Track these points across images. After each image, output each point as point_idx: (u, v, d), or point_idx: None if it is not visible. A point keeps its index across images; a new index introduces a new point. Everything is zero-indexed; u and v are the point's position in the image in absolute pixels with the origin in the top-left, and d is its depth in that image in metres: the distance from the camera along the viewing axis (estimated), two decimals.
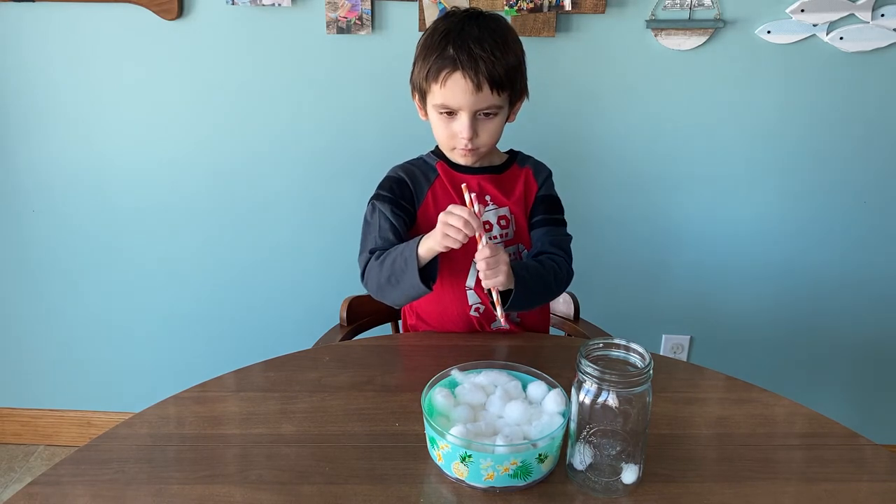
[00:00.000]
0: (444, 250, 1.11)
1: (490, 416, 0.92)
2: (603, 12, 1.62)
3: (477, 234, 1.08)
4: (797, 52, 1.66)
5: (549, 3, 1.61)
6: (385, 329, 1.42)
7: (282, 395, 1.05)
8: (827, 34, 1.63)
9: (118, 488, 0.87)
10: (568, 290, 1.39)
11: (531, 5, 1.60)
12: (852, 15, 1.61)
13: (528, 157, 1.34)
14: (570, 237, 1.30)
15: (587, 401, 0.85)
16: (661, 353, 1.90)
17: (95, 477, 0.89)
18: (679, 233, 1.83)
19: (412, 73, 1.22)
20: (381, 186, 1.26)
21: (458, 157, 1.24)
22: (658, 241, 1.84)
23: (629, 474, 0.87)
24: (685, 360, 1.95)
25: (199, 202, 1.83)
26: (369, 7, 1.63)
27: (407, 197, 1.25)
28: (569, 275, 1.26)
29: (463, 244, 1.09)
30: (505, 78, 1.15)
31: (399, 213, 1.22)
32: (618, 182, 1.79)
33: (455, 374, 0.99)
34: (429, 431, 0.89)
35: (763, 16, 1.63)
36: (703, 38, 1.64)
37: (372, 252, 1.21)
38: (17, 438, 2.08)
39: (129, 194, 1.83)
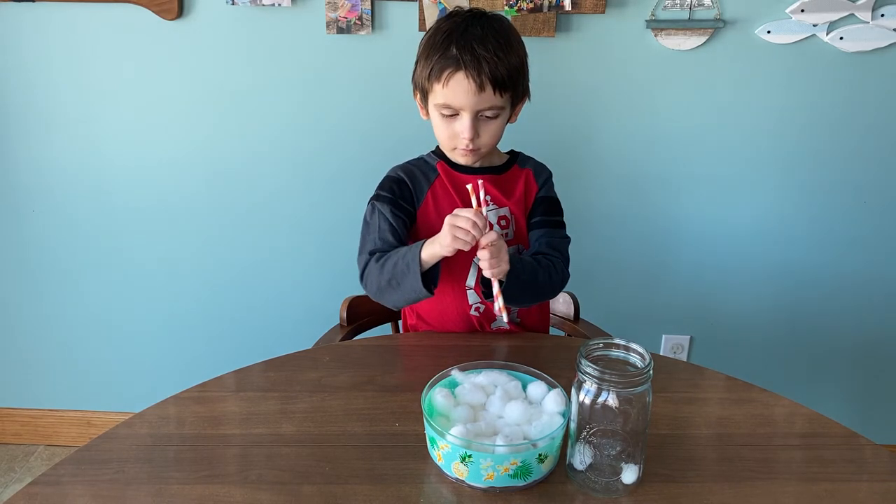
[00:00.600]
0: (450, 254, 1.10)
1: (490, 416, 0.92)
2: (603, 12, 1.62)
3: (485, 238, 1.08)
4: (797, 52, 1.66)
5: (549, 3, 1.61)
6: (385, 329, 1.42)
7: (282, 395, 1.05)
8: (827, 34, 1.63)
9: (118, 488, 0.87)
10: (568, 290, 1.40)
11: (531, 5, 1.60)
12: (852, 15, 1.61)
13: (529, 158, 1.34)
14: (568, 239, 1.30)
15: (587, 401, 0.85)
16: (661, 353, 1.90)
17: (95, 477, 0.89)
18: (679, 233, 1.83)
19: (414, 72, 1.22)
20: (380, 186, 1.26)
21: (459, 157, 1.24)
22: (658, 241, 1.84)
23: (629, 474, 0.87)
24: (685, 360, 1.95)
25: (199, 202, 1.83)
26: (369, 7, 1.64)
27: (406, 197, 1.25)
28: (563, 277, 1.25)
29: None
30: (507, 79, 1.15)
31: (399, 213, 1.22)
32: (618, 182, 1.79)
33: (455, 374, 0.99)
34: (429, 431, 0.89)
35: (763, 16, 1.63)
36: (703, 38, 1.64)
37: (371, 253, 1.20)
38: (17, 438, 2.08)
39: (129, 194, 1.83)
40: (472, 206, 1.11)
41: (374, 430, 0.98)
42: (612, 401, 0.84)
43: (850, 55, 1.65)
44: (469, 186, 1.11)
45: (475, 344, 1.20)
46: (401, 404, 1.03)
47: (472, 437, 0.86)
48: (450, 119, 1.18)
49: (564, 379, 0.94)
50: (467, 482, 0.87)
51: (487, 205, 1.26)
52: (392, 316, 1.44)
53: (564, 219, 1.32)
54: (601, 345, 0.89)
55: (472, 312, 1.28)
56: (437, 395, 0.93)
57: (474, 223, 1.06)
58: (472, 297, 1.26)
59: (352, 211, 1.61)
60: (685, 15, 1.63)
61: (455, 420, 0.90)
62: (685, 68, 1.68)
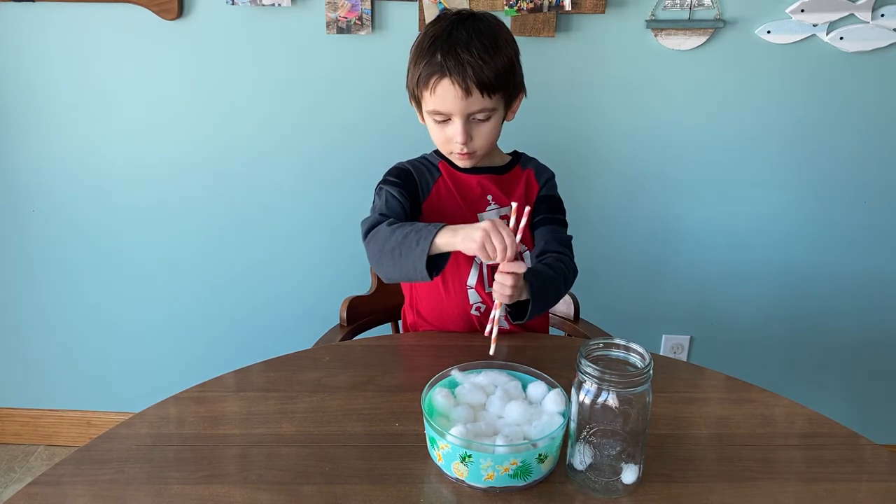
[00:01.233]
0: (468, 253, 1.05)
1: (490, 416, 0.92)
2: (603, 12, 1.62)
3: (504, 261, 1.03)
4: (797, 52, 1.66)
5: (549, 3, 1.61)
6: (385, 329, 1.43)
7: (282, 395, 1.05)
8: (827, 34, 1.63)
9: (118, 488, 0.87)
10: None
11: (531, 5, 1.60)
12: (852, 15, 1.61)
13: (532, 158, 1.34)
14: (571, 237, 1.30)
15: (587, 401, 0.85)
16: (661, 353, 1.90)
17: (95, 477, 0.89)
18: (679, 232, 1.83)
19: (406, 78, 1.21)
20: (388, 173, 1.26)
21: (457, 160, 1.24)
22: (658, 241, 1.84)
23: (629, 474, 0.87)
24: (685, 360, 1.95)
25: (200, 202, 1.83)
26: (369, 7, 1.64)
27: (413, 187, 1.24)
28: (575, 272, 1.25)
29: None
30: (495, 80, 1.13)
31: (406, 196, 1.21)
32: (618, 182, 1.79)
33: (455, 374, 0.99)
34: (429, 431, 0.89)
35: (763, 16, 1.63)
36: (703, 38, 1.64)
37: (382, 215, 1.16)
38: (17, 438, 2.08)
39: (129, 194, 1.83)
40: (507, 222, 1.06)
41: (374, 430, 0.98)
42: (612, 401, 0.84)
43: (850, 55, 1.65)
44: (513, 206, 1.06)
45: (475, 344, 1.20)
46: (401, 404, 1.03)
47: (472, 437, 0.86)
48: (442, 124, 1.18)
49: (564, 379, 0.94)
50: (467, 482, 0.87)
51: (486, 206, 1.26)
52: (392, 316, 1.44)
53: (566, 219, 1.32)
54: (601, 345, 0.89)
55: (473, 312, 1.28)
56: (437, 395, 0.93)
57: (506, 247, 1.01)
58: (473, 296, 1.26)
59: (352, 210, 1.61)
60: (685, 15, 1.63)
61: (455, 420, 0.90)
62: (685, 68, 1.68)
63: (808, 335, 1.92)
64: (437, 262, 1.09)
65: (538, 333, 1.32)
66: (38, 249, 1.89)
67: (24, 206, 1.85)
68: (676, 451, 0.95)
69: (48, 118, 1.77)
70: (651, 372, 0.85)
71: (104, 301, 1.93)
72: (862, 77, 1.67)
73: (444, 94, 1.13)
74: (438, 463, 0.89)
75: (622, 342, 0.89)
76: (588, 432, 0.86)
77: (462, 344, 1.21)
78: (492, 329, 1.10)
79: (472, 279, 1.26)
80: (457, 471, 0.87)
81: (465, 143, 1.17)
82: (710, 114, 1.72)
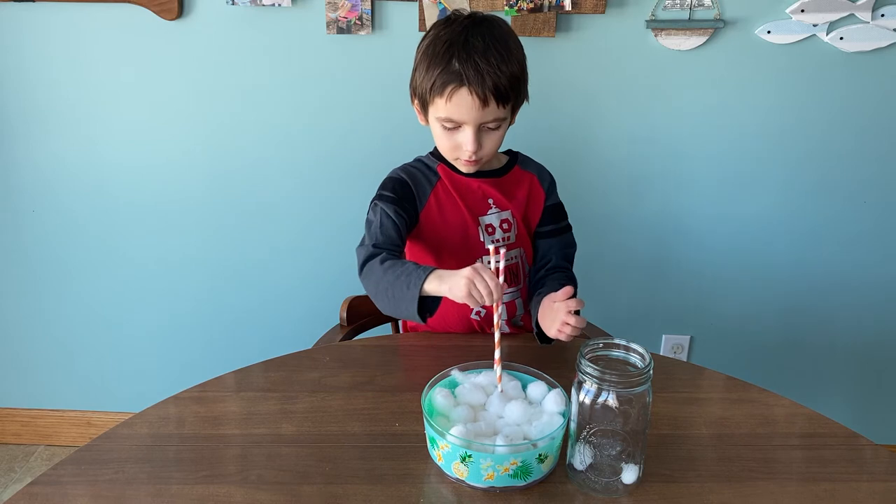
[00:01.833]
0: (455, 301, 1.04)
1: (490, 416, 0.93)
2: (603, 12, 1.62)
3: (494, 305, 1.01)
4: (797, 52, 1.66)
5: (549, 3, 1.61)
6: (385, 329, 1.42)
7: (282, 395, 1.05)
8: (827, 34, 1.63)
9: (118, 488, 0.87)
10: None
11: (531, 5, 1.60)
12: (852, 15, 1.61)
13: (529, 159, 1.34)
14: (575, 248, 1.32)
15: (587, 401, 0.85)
16: (661, 353, 1.90)
17: (95, 477, 0.89)
18: (679, 232, 1.83)
19: (412, 79, 1.20)
20: (382, 187, 1.25)
21: (461, 166, 1.24)
22: (658, 241, 1.84)
23: (629, 474, 0.87)
24: (685, 360, 1.95)
25: (199, 202, 1.83)
26: (369, 7, 1.64)
27: (409, 198, 1.23)
28: (575, 284, 1.26)
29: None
30: (510, 89, 1.13)
31: (401, 212, 1.20)
32: (617, 182, 1.79)
33: (455, 374, 0.99)
34: (429, 431, 0.89)
35: (763, 16, 1.63)
36: (703, 38, 1.64)
37: (375, 247, 1.17)
38: (17, 438, 2.08)
39: (129, 194, 1.83)
40: (489, 263, 1.06)
41: (374, 430, 0.98)
42: (612, 401, 0.84)
43: (850, 55, 1.65)
44: (492, 248, 1.06)
45: (475, 344, 1.20)
46: (401, 404, 1.03)
47: (472, 437, 0.86)
48: (451, 131, 1.17)
49: (564, 379, 0.94)
50: (467, 482, 0.87)
51: (487, 209, 1.26)
52: (392, 316, 1.44)
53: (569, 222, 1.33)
54: (601, 345, 0.89)
55: (473, 316, 1.28)
56: (437, 395, 0.94)
57: (491, 293, 1.00)
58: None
59: (352, 210, 1.61)
60: (685, 15, 1.63)
61: (455, 420, 0.90)
62: (685, 68, 1.68)
63: (808, 335, 1.92)
64: (430, 305, 1.10)
65: None
66: (37, 249, 1.89)
67: (23, 206, 1.85)
68: (676, 451, 0.95)
69: (48, 118, 1.77)
70: (651, 372, 0.85)
71: (104, 301, 1.93)
72: (862, 77, 1.67)
73: (461, 103, 1.12)
74: (438, 463, 0.89)
75: (622, 342, 0.89)
76: (588, 432, 0.86)
77: (462, 344, 1.21)
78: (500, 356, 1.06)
79: None
80: (457, 471, 0.87)
81: (475, 152, 1.17)
82: (709, 114, 1.72)
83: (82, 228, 1.86)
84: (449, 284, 1.03)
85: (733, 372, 1.16)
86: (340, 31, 1.66)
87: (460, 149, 1.18)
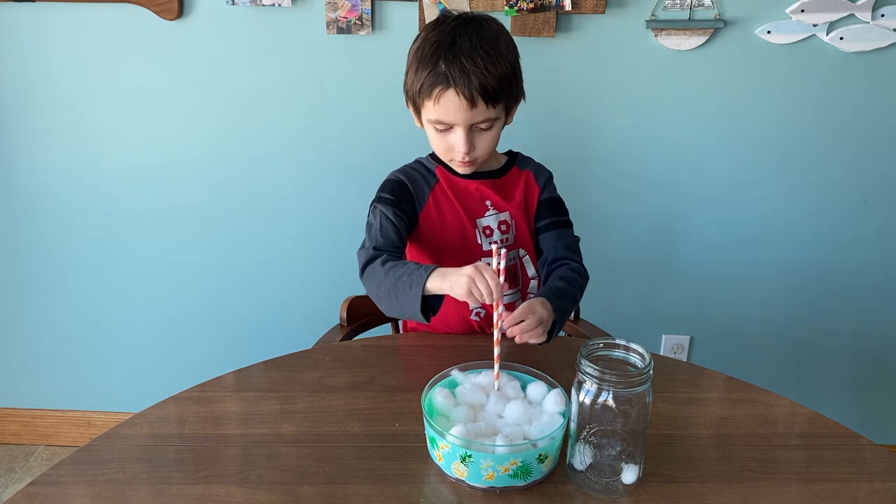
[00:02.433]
0: (456, 298, 1.05)
1: (490, 416, 0.92)
2: (603, 12, 1.62)
3: (494, 304, 1.02)
4: (797, 52, 1.66)
5: (549, 2, 1.61)
6: (385, 329, 1.42)
7: (282, 395, 1.05)
8: (827, 34, 1.63)
9: (118, 488, 0.87)
10: None
11: (531, 5, 1.60)
12: (852, 15, 1.61)
13: (528, 158, 1.34)
14: (578, 238, 1.30)
15: (587, 401, 0.85)
16: (661, 353, 1.90)
17: (95, 477, 0.89)
18: (679, 233, 1.83)
19: (405, 82, 1.19)
20: (381, 189, 1.25)
21: (457, 168, 1.24)
22: (658, 241, 1.84)
23: (629, 474, 0.87)
24: (685, 360, 1.95)
25: (199, 202, 1.83)
26: (369, 7, 1.64)
27: (408, 200, 1.23)
28: (587, 277, 1.25)
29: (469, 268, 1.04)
30: (499, 90, 1.12)
31: (400, 214, 1.21)
32: (617, 182, 1.79)
33: (455, 374, 0.99)
34: (429, 431, 0.89)
35: (763, 16, 1.63)
36: (703, 38, 1.64)
37: (376, 249, 1.17)
38: (17, 438, 2.08)
39: (129, 194, 1.83)
40: (490, 262, 1.06)
41: (374, 430, 0.98)
42: (612, 401, 0.84)
43: (850, 55, 1.65)
44: (494, 247, 1.06)
45: (475, 344, 1.20)
46: (401, 404, 1.03)
47: (472, 437, 0.86)
48: (444, 132, 1.17)
49: (564, 379, 0.94)
50: (467, 482, 0.87)
51: (485, 210, 1.26)
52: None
53: (570, 218, 1.32)
54: (601, 345, 0.89)
55: (473, 317, 1.28)
56: (437, 395, 0.93)
57: (491, 292, 1.00)
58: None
59: (352, 210, 1.61)
60: (685, 15, 1.63)
61: (455, 420, 0.90)
62: (685, 68, 1.68)
63: (808, 335, 1.92)
64: (433, 304, 1.11)
65: None
66: (37, 249, 1.89)
67: (23, 206, 1.85)
68: (676, 451, 0.95)
69: (48, 118, 1.77)
70: (651, 372, 0.85)
71: (104, 301, 1.93)
72: (862, 77, 1.67)
73: (449, 105, 1.12)
74: (438, 463, 0.89)
75: (622, 342, 0.89)
76: (588, 432, 0.86)
77: (462, 344, 1.21)
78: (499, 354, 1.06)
79: None
80: (457, 471, 0.87)
81: (468, 153, 1.17)
82: (709, 114, 1.72)
83: (82, 228, 1.86)
84: (450, 282, 1.03)
85: (733, 372, 1.16)
86: (340, 31, 1.66)
87: (453, 150, 1.18)
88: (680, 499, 0.87)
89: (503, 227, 1.26)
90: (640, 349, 0.88)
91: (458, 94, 1.11)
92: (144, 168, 1.80)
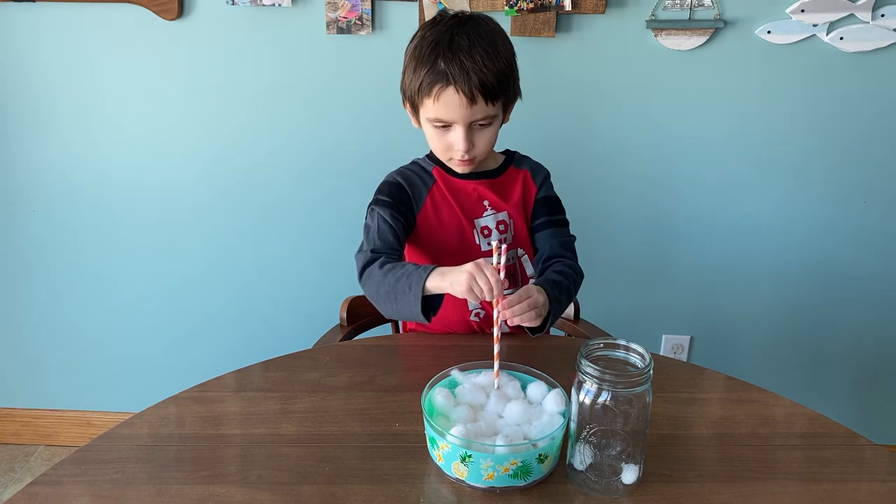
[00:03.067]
0: (456, 296, 1.05)
1: (490, 416, 0.92)
2: (603, 12, 1.62)
3: (494, 301, 1.02)
4: (797, 52, 1.66)
5: (549, 3, 1.61)
6: (385, 329, 1.42)
7: (282, 395, 1.05)
8: (827, 34, 1.63)
9: (118, 488, 0.87)
10: None
11: (531, 5, 1.60)
12: (852, 15, 1.61)
13: (525, 157, 1.34)
14: (574, 238, 1.30)
15: (587, 401, 0.85)
16: (661, 353, 1.90)
17: (95, 477, 0.89)
18: (679, 233, 1.83)
19: (402, 82, 1.20)
20: (379, 191, 1.25)
21: (456, 167, 1.24)
22: (658, 241, 1.84)
23: (629, 474, 0.87)
24: (685, 360, 1.95)
25: (199, 202, 1.83)
26: (369, 7, 1.64)
27: (406, 202, 1.23)
28: (581, 276, 1.25)
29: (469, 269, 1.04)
30: (498, 87, 1.13)
31: (398, 216, 1.21)
32: (617, 182, 1.79)
33: (455, 374, 0.99)
34: (429, 431, 0.89)
35: (763, 16, 1.63)
36: (703, 38, 1.64)
37: (374, 252, 1.17)
38: (17, 438, 2.08)
39: (129, 194, 1.83)
40: (490, 260, 1.05)
41: (374, 430, 0.98)
42: (612, 401, 0.84)
43: (850, 55, 1.65)
44: (494, 243, 1.05)
45: (475, 344, 1.20)
46: (401, 404, 1.03)
47: (472, 437, 0.86)
48: (442, 131, 1.17)
49: (564, 379, 0.94)
50: (467, 482, 0.87)
51: (483, 210, 1.26)
52: None
53: (567, 217, 1.32)
54: (601, 345, 0.89)
55: (472, 318, 1.28)
56: (437, 395, 0.93)
57: (492, 289, 1.01)
58: (472, 302, 1.26)
59: (352, 211, 1.61)
60: (685, 15, 1.63)
61: (455, 420, 0.90)
62: (685, 68, 1.68)
63: (808, 335, 1.92)
64: (433, 304, 1.11)
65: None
66: (37, 249, 1.89)
67: (24, 206, 1.85)
68: (676, 451, 0.95)
69: (48, 118, 1.77)
70: (651, 372, 0.85)
71: (104, 301, 1.93)
72: (862, 77, 1.67)
73: (449, 103, 1.12)
74: (438, 463, 0.89)
75: (622, 342, 0.89)
76: (588, 432, 0.86)
77: (462, 344, 1.21)
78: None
79: None
80: (457, 471, 0.87)
81: (468, 151, 1.17)
82: (709, 114, 1.72)
83: (82, 228, 1.86)
84: (450, 280, 1.04)
85: (733, 372, 1.16)
86: (340, 31, 1.66)
87: (452, 149, 1.18)
88: (680, 499, 0.87)
89: (501, 227, 1.26)
90: (640, 349, 0.88)
91: (457, 91, 1.11)
92: (144, 168, 1.80)
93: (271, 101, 1.74)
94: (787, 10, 1.62)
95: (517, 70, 1.20)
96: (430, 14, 1.62)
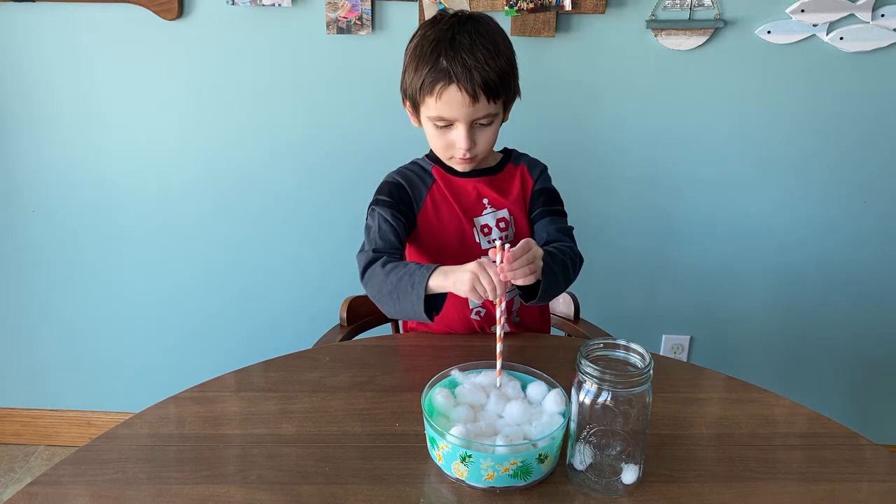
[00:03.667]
0: (459, 295, 1.05)
1: (490, 416, 0.92)
2: (603, 12, 1.62)
3: (497, 301, 1.02)
4: (797, 52, 1.66)
5: (549, 3, 1.61)
6: (385, 329, 1.42)
7: (282, 395, 1.05)
8: (827, 34, 1.63)
9: (118, 488, 0.87)
10: (568, 290, 1.39)
11: (531, 5, 1.60)
12: (852, 15, 1.61)
13: (523, 154, 1.34)
14: (572, 227, 1.29)
15: (587, 401, 0.85)
16: (661, 353, 1.90)
17: (95, 477, 0.89)
18: (679, 233, 1.83)
19: (402, 81, 1.20)
20: (379, 191, 1.25)
21: (457, 165, 1.24)
22: (658, 241, 1.84)
23: (629, 474, 0.87)
24: (685, 360, 1.95)
25: (199, 202, 1.83)
26: (369, 7, 1.64)
27: (406, 201, 1.24)
28: (581, 259, 1.24)
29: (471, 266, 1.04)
30: (500, 85, 1.13)
31: (398, 216, 1.21)
32: (617, 182, 1.79)
33: (455, 374, 0.99)
34: (429, 431, 0.89)
35: (763, 16, 1.63)
36: (703, 38, 1.64)
37: (375, 251, 1.17)
38: (17, 438, 2.08)
39: (129, 194, 1.83)
40: (491, 257, 1.04)
41: (374, 430, 0.98)
42: (612, 401, 0.84)
43: (850, 55, 1.65)
44: (498, 243, 1.03)
45: (475, 344, 1.20)
46: (401, 404, 1.03)
47: (472, 437, 0.86)
48: (444, 130, 1.17)
49: (564, 379, 0.94)
50: (467, 482, 0.87)
51: (482, 209, 1.26)
52: None
53: (565, 210, 1.32)
54: (601, 345, 0.89)
55: (473, 316, 1.28)
56: (437, 395, 0.93)
57: (495, 288, 1.01)
58: (473, 301, 1.26)
59: (352, 211, 1.61)
60: (685, 15, 1.63)
61: (455, 420, 0.90)
62: (685, 68, 1.68)
63: (808, 335, 1.92)
64: (435, 303, 1.11)
65: (538, 333, 1.32)
66: (37, 249, 1.89)
67: (24, 206, 1.85)
68: (676, 451, 0.95)
69: (48, 118, 1.77)
70: (651, 372, 0.85)
71: (104, 301, 1.93)
72: (862, 77, 1.67)
73: (451, 101, 1.12)
74: (438, 463, 0.89)
75: (622, 342, 0.89)
76: (588, 432, 0.86)
77: (462, 344, 1.21)
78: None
79: None
80: (457, 471, 0.87)
81: (469, 149, 1.17)
82: (709, 114, 1.72)
83: (82, 228, 1.86)
84: (453, 279, 1.04)
85: (733, 372, 1.16)
86: (340, 31, 1.66)
87: (454, 147, 1.18)
88: (680, 499, 0.87)
89: (502, 225, 1.26)
90: (640, 349, 0.88)
91: (460, 89, 1.11)
92: (144, 167, 1.80)
93: (271, 101, 1.74)
94: (787, 10, 1.62)
95: (517, 69, 1.20)
96: (430, 14, 1.61)
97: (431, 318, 1.10)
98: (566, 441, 0.90)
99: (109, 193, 1.83)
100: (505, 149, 1.34)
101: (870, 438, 0.99)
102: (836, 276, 1.86)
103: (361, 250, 1.20)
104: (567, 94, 1.71)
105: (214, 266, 1.89)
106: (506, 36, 1.19)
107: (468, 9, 1.60)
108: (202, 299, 1.92)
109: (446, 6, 1.61)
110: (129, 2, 1.64)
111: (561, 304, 1.46)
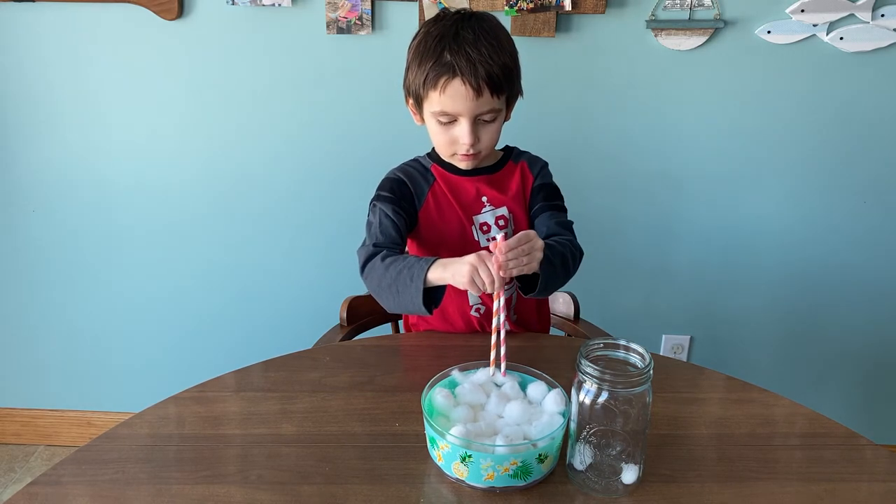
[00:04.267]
0: (457, 287, 1.06)
1: (490, 416, 0.92)
2: (603, 12, 1.62)
3: (495, 294, 1.02)
4: (797, 52, 1.66)
5: (549, 3, 1.61)
6: (385, 329, 1.42)
7: (282, 395, 1.05)
8: (827, 34, 1.63)
9: (118, 488, 0.87)
10: (568, 290, 1.39)
11: (531, 5, 1.60)
12: (852, 15, 1.61)
13: (524, 152, 1.34)
14: (572, 222, 1.29)
15: (587, 401, 0.85)
16: (661, 353, 1.90)
17: (95, 477, 0.89)
18: (679, 233, 1.83)
19: (405, 78, 1.20)
20: (380, 187, 1.25)
21: (459, 163, 1.24)
22: (658, 241, 1.84)
23: (629, 474, 0.87)
24: (685, 360, 1.95)
25: (200, 201, 1.83)
26: (369, 7, 1.64)
27: (407, 197, 1.24)
28: (581, 252, 1.24)
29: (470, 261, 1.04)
30: (503, 79, 1.14)
31: (400, 212, 1.21)
32: (618, 182, 1.79)
33: (455, 374, 0.99)
34: (429, 431, 0.89)
35: (763, 16, 1.63)
36: (703, 38, 1.64)
37: (376, 246, 1.17)
38: (17, 438, 2.08)
39: (129, 194, 1.83)
40: (491, 251, 1.04)
41: (374, 430, 0.98)
42: (612, 401, 0.84)
43: (850, 55, 1.65)
44: (497, 238, 1.03)
45: (475, 344, 1.20)
46: (401, 404, 1.03)
47: (472, 437, 0.86)
48: (448, 125, 1.17)
49: (564, 379, 0.94)
50: (467, 482, 0.87)
51: (482, 207, 1.26)
52: (392, 316, 1.44)
53: (565, 205, 1.31)
54: (601, 345, 0.89)
55: (473, 313, 1.28)
56: (437, 395, 0.93)
57: (493, 280, 1.01)
58: (473, 297, 1.26)
59: (352, 210, 1.61)
60: (685, 15, 1.63)
61: (455, 420, 0.90)
62: (685, 68, 1.68)
63: (808, 335, 1.92)
64: (435, 296, 1.11)
65: (538, 333, 1.32)
66: (37, 249, 1.89)
67: (24, 206, 1.85)
68: (676, 451, 0.95)
69: (48, 118, 1.77)
70: (651, 372, 0.85)
71: (104, 301, 1.93)
72: (862, 77, 1.67)
73: (455, 95, 1.12)
74: (438, 463, 0.89)
75: (622, 342, 0.89)
76: (588, 432, 0.86)
77: (462, 344, 1.21)
78: (498, 351, 1.04)
79: None
80: (457, 471, 0.87)
81: (472, 145, 1.17)
82: (709, 114, 1.72)
83: (83, 228, 1.86)
84: (452, 271, 1.04)
85: (733, 372, 1.16)
86: (340, 31, 1.66)
87: (457, 143, 1.18)
88: (680, 499, 0.87)
89: (501, 223, 1.26)
90: (640, 349, 0.88)
91: (464, 83, 1.11)
92: (144, 168, 1.80)
93: (271, 101, 1.74)
94: (787, 10, 1.62)
95: (520, 66, 1.21)
96: (430, 14, 1.61)
97: (430, 311, 1.10)
98: (566, 441, 0.90)
99: (109, 193, 1.83)
100: (506, 147, 1.34)
101: (870, 438, 0.99)
102: (836, 276, 1.86)
103: (362, 245, 1.21)
104: (567, 94, 1.71)
105: (214, 266, 1.89)
106: (508, 34, 1.20)
107: (468, 8, 1.59)
108: (202, 299, 1.92)
109: (446, 6, 1.61)
110: (129, 2, 1.64)
111: (561, 304, 1.46)
